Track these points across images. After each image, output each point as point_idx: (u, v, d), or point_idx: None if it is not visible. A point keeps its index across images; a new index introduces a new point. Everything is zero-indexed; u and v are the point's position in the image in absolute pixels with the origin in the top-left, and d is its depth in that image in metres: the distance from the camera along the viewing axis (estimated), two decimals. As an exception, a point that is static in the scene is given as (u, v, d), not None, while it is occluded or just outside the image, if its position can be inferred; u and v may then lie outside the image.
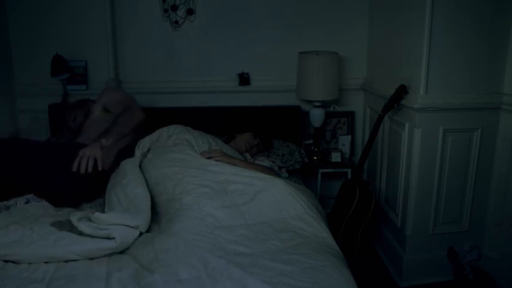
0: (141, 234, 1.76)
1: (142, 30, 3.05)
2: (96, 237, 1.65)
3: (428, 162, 2.42)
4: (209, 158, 2.26)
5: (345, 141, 3.19)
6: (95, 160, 2.23)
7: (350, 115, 3.22)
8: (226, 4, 3.04)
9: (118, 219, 1.70)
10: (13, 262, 1.61)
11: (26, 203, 2.02)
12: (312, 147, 3.11)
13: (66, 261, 1.61)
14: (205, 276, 1.46)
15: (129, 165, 2.21)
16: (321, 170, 3.03)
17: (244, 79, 3.13)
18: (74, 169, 2.18)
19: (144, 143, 2.50)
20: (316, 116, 3.01)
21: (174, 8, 3.01)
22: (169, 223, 1.79)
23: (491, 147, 2.47)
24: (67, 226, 1.76)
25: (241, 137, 2.71)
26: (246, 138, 2.69)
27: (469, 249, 2.54)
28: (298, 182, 2.54)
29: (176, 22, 3.04)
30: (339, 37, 3.11)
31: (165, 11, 3.02)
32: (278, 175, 2.38)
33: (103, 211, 1.98)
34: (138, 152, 2.46)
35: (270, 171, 2.35)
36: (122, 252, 1.68)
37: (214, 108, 3.11)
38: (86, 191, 2.20)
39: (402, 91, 2.45)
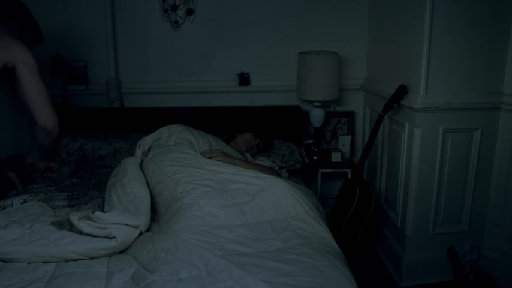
0: (141, 233, 1.76)
1: (142, 30, 3.05)
2: (97, 236, 1.65)
3: (428, 162, 2.42)
4: (210, 158, 2.26)
5: (345, 141, 3.19)
6: None
7: (350, 115, 3.22)
8: (226, 4, 3.04)
9: (118, 218, 1.70)
10: (11, 262, 1.60)
11: (23, 203, 2.02)
12: (312, 147, 3.11)
13: (66, 261, 1.61)
14: (206, 275, 1.46)
15: (129, 164, 2.21)
16: (321, 170, 3.03)
17: (244, 79, 3.13)
18: None
19: (145, 142, 2.51)
20: (316, 116, 3.01)
21: (174, 8, 3.01)
22: (170, 222, 1.79)
23: (491, 147, 2.47)
24: (66, 226, 1.76)
25: (241, 137, 2.71)
26: (247, 138, 2.69)
27: (469, 249, 2.54)
28: (299, 182, 2.54)
29: (176, 22, 3.04)
30: (339, 37, 3.11)
31: (165, 11, 3.02)
32: (279, 175, 2.38)
33: (102, 211, 1.98)
34: (139, 151, 2.47)
35: (270, 171, 2.35)
36: (122, 251, 1.68)
37: (215, 108, 3.11)
38: None
39: (402, 91, 2.45)
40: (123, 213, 1.77)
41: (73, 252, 1.61)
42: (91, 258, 1.63)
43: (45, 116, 2.01)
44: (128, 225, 1.70)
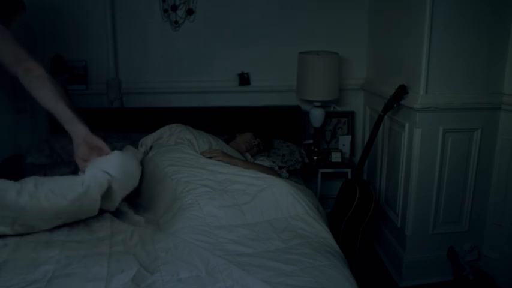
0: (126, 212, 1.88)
1: (142, 30, 3.06)
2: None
3: (428, 162, 2.42)
4: (210, 157, 2.26)
5: (345, 141, 3.19)
6: None
7: (350, 115, 3.22)
8: (226, 4, 3.04)
9: (95, 162, 1.75)
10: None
11: None
12: (312, 147, 3.12)
13: (66, 259, 1.60)
14: (206, 275, 1.46)
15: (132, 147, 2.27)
16: (321, 170, 3.03)
17: (244, 79, 3.13)
18: None
19: (147, 141, 2.52)
20: (316, 116, 3.01)
21: (174, 8, 3.01)
22: (170, 223, 1.79)
23: (491, 147, 2.47)
24: None
25: (241, 136, 2.71)
26: (247, 138, 2.68)
27: (469, 249, 2.54)
28: (299, 182, 2.54)
29: (176, 22, 3.04)
30: (339, 37, 3.11)
31: (165, 11, 3.02)
32: (279, 175, 2.38)
33: None
34: (140, 150, 2.47)
35: (270, 171, 2.35)
36: (122, 252, 1.68)
37: (215, 108, 3.11)
38: None
39: (402, 91, 2.45)
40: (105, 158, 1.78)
41: (49, 190, 1.64)
42: (90, 257, 1.62)
43: (26, 60, 1.84)
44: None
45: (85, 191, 1.68)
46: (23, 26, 2.96)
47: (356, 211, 2.57)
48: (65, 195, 1.67)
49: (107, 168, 1.75)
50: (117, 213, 1.94)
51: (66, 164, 2.67)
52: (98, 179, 1.71)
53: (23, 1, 2.15)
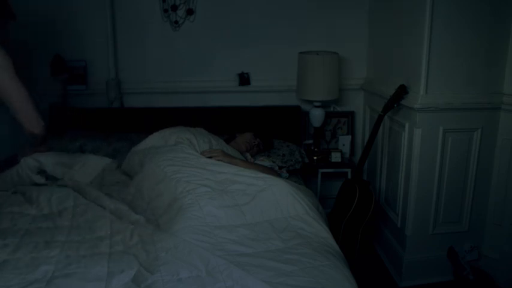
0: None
1: (142, 30, 3.06)
2: None
3: (428, 162, 2.42)
4: (210, 157, 2.26)
5: (345, 141, 3.19)
6: None
7: (350, 115, 3.22)
8: (226, 4, 3.05)
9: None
10: None
11: None
12: (312, 147, 3.12)
13: (66, 259, 1.61)
14: (206, 275, 1.46)
15: None
16: (321, 170, 3.03)
17: (244, 79, 3.13)
18: None
19: (145, 142, 2.51)
20: (316, 116, 3.01)
21: (174, 8, 3.01)
22: (170, 223, 1.79)
23: (491, 147, 2.47)
24: None
25: (241, 136, 2.71)
26: (247, 138, 2.68)
27: (469, 249, 2.54)
28: (299, 182, 2.53)
29: (176, 22, 3.04)
30: (339, 37, 3.11)
31: (165, 11, 3.02)
32: (279, 175, 2.38)
33: None
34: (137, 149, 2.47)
35: (270, 171, 2.35)
36: (122, 252, 1.68)
37: (215, 108, 3.11)
38: None
39: (402, 91, 2.45)
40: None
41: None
42: (90, 258, 1.62)
43: (29, 122, 1.96)
44: None
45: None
46: (23, 26, 2.97)
47: (356, 211, 2.57)
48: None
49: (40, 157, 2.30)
50: (117, 213, 1.94)
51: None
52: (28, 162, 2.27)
53: (11, 9, 2.09)
